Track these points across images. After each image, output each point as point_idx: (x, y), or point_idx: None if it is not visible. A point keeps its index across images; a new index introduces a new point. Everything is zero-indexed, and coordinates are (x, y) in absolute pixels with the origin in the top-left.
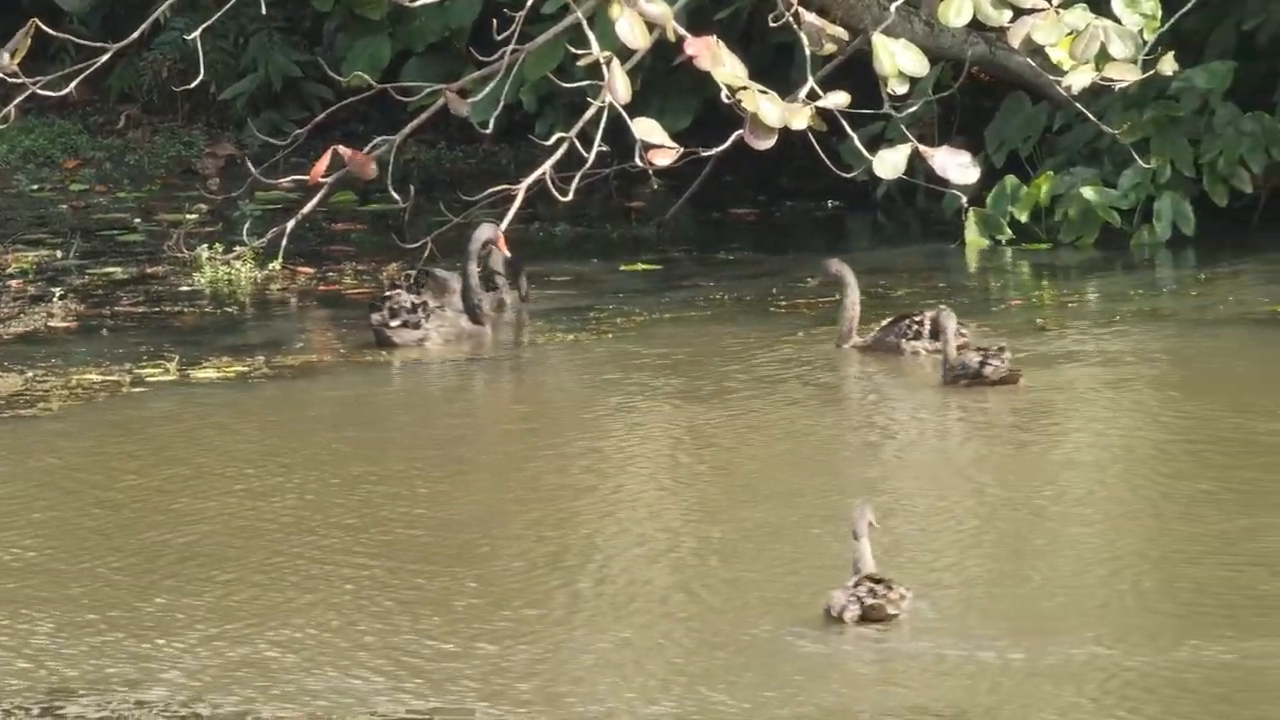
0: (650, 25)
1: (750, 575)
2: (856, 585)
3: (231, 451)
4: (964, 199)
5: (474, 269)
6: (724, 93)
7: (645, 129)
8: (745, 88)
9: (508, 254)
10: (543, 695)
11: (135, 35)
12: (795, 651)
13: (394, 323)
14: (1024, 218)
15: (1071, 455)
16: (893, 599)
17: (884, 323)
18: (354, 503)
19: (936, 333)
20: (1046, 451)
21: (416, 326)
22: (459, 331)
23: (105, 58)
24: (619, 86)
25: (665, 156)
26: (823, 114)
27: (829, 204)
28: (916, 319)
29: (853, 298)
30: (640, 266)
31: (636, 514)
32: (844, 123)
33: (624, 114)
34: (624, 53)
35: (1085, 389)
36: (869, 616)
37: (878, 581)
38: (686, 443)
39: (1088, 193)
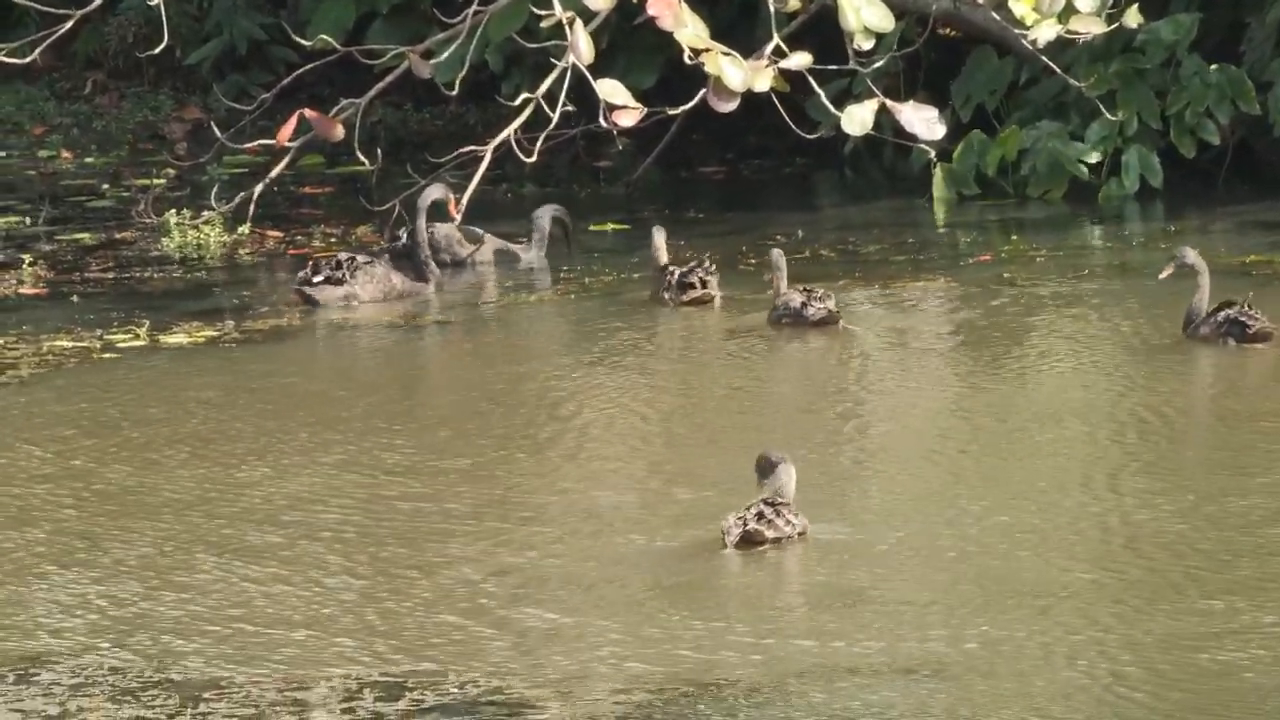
0: None
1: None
2: (749, 508)
3: (202, 415)
4: (932, 154)
5: (423, 225)
6: (687, 54)
7: (609, 90)
8: (708, 49)
9: (457, 217)
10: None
11: (99, 1)
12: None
13: (316, 279)
14: (991, 172)
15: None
16: (777, 524)
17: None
18: (320, 469)
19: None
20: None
21: (339, 283)
22: (390, 289)
23: (70, 24)
24: (582, 47)
25: (629, 117)
26: (787, 72)
27: (797, 161)
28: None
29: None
30: (609, 226)
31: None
32: (811, 80)
33: (588, 74)
34: (587, 13)
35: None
36: (749, 539)
37: (771, 505)
38: (586, 400)
39: (1055, 146)
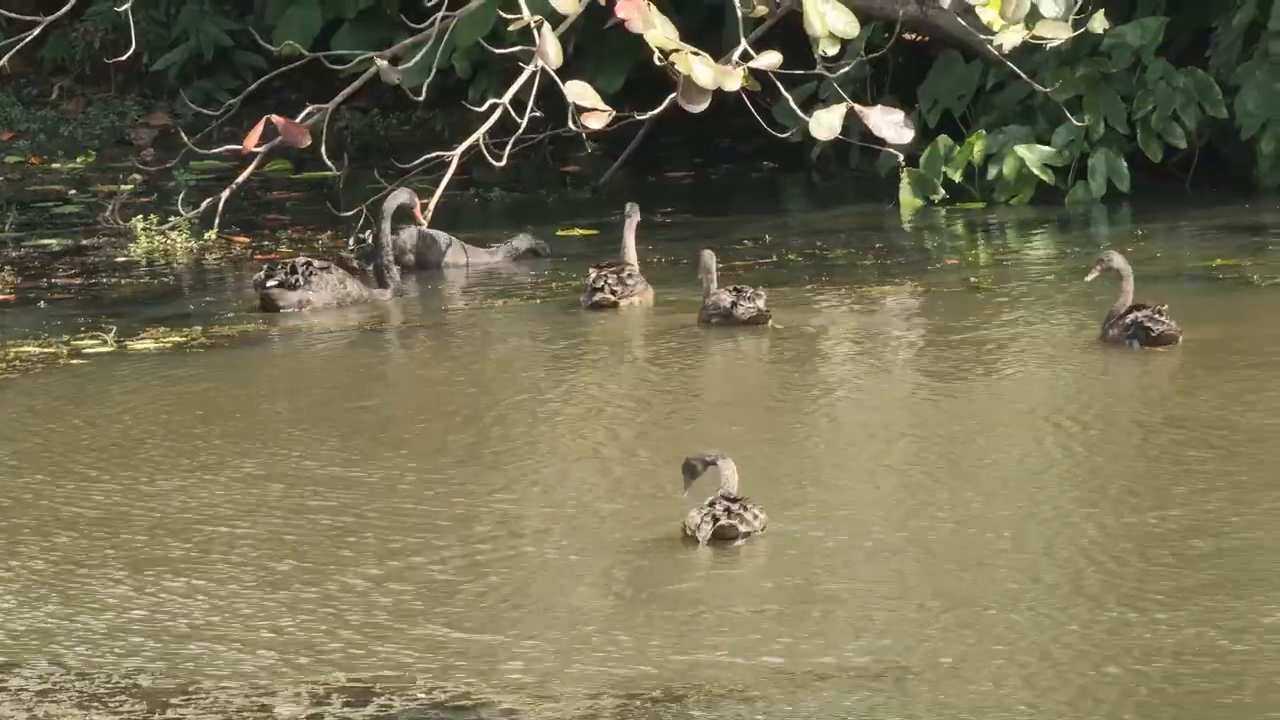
0: None
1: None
2: (712, 504)
3: (170, 422)
4: (900, 158)
5: (386, 230)
6: (656, 55)
7: (577, 92)
8: (677, 50)
9: (423, 222)
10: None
11: (67, 7)
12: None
13: (270, 283)
14: (958, 177)
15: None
16: (746, 518)
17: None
18: (289, 474)
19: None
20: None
21: (294, 288)
22: (345, 295)
23: (37, 30)
24: (550, 51)
25: (598, 120)
26: (757, 75)
27: (764, 166)
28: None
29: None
30: (577, 231)
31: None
32: (778, 84)
33: (556, 78)
34: (555, 17)
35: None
36: (721, 535)
37: (733, 501)
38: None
39: (1021, 151)
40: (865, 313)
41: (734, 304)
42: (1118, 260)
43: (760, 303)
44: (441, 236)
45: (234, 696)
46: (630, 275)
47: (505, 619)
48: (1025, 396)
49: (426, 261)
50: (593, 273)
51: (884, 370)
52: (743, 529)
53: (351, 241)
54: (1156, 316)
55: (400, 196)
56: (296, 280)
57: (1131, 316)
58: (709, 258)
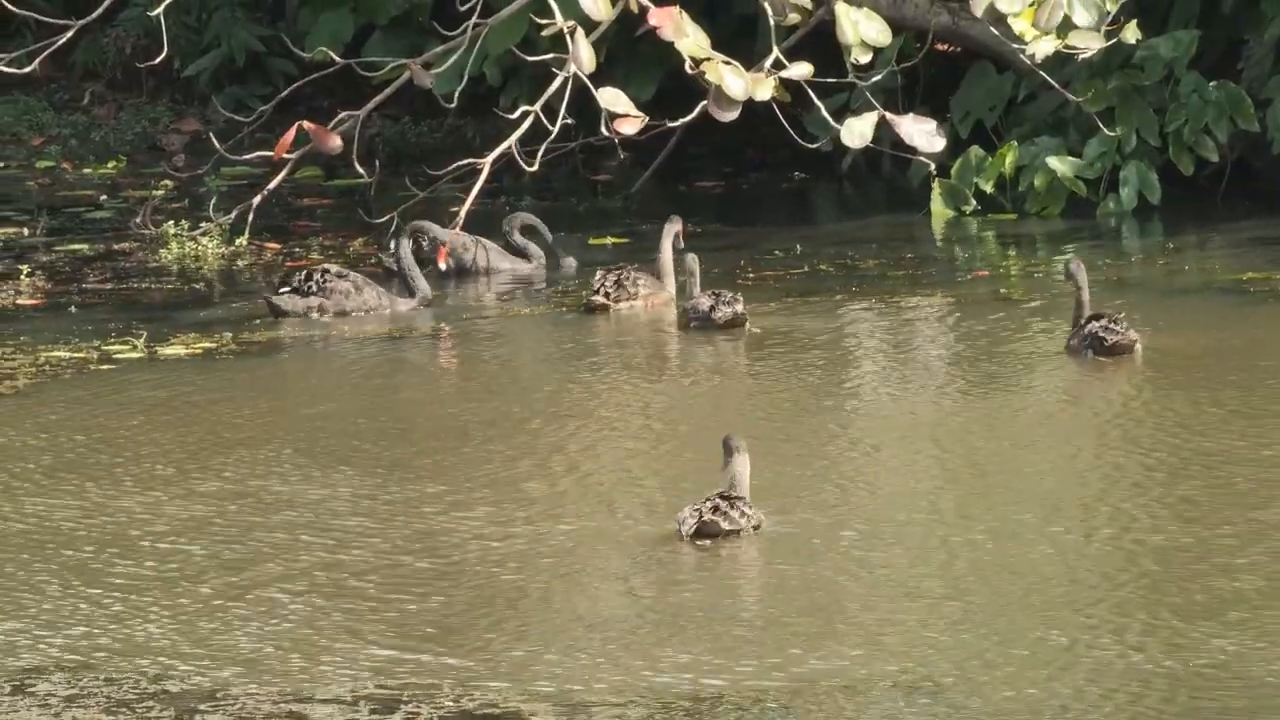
0: None
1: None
2: (705, 501)
3: (232, 424)
4: (931, 167)
5: (406, 245)
6: (688, 64)
7: (610, 98)
8: (709, 59)
9: (444, 266)
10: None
11: (98, 12)
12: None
13: (282, 290)
14: (989, 188)
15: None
16: (733, 517)
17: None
18: (319, 482)
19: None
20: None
21: (305, 295)
22: (361, 304)
23: (69, 35)
24: (583, 56)
25: (631, 125)
26: (787, 85)
27: (795, 176)
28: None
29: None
30: (608, 240)
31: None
32: (810, 93)
33: (589, 84)
34: (588, 23)
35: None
36: (703, 532)
37: (727, 499)
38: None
39: (1053, 162)
40: (894, 323)
41: (712, 308)
42: (1075, 269)
43: (738, 307)
44: (479, 241)
45: (262, 704)
46: (635, 279)
47: (528, 629)
48: (1049, 406)
49: (465, 267)
50: (599, 274)
51: (907, 380)
52: (726, 526)
53: (392, 247)
54: (1112, 327)
55: (436, 232)
56: (311, 288)
57: (1090, 326)
58: (693, 261)
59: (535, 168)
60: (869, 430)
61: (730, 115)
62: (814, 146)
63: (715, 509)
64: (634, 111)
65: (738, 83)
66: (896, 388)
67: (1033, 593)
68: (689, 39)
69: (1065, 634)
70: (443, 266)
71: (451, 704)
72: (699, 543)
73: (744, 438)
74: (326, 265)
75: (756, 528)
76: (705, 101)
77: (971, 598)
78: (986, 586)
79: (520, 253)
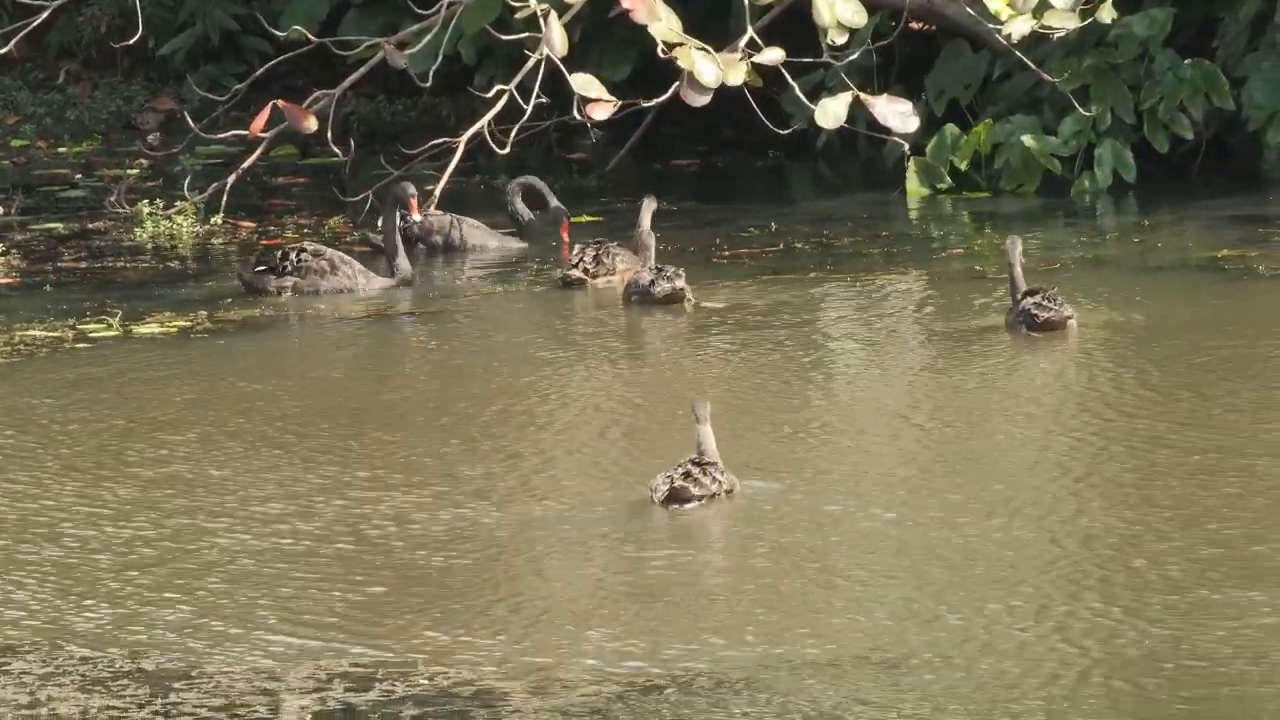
0: None
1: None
2: (678, 468)
3: (172, 406)
4: (906, 147)
5: (393, 222)
6: (660, 48)
7: (582, 83)
8: (681, 44)
9: (417, 216)
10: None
11: None
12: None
13: (259, 268)
14: (964, 166)
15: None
16: (704, 482)
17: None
18: (291, 462)
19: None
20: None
21: (281, 274)
22: (337, 284)
23: (44, 15)
24: (555, 39)
25: (603, 110)
26: (761, 67)
27: (770, 154)
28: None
29: None
30: (584, 218)
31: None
32: (785, 73)
33: (561, 67)
34: (561, 5)
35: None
36: (675, 497)
37: (699, 465)
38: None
39: (1028, 140)
40: (868, 300)
41: (652, 282)
42: (1008, 246)
43: (679, 282)
44: (468, 220)
45: (236, 681)
46: (613, 254)
47: (497, 610)
48: (1019, 384)
49: (453, 244)
50: (577, 249)
51: (879, 357)
52: (697, 492)
53: (378, 225)
54: (1044, 303)
55: (402, 188)
56: (286, 267)
57: (1024, 303)
58: (648, 236)
59: (508, 149)
60: (806, 405)
61: (702, 100)
62: (785, 133)
63: (687, 475)
64: (606, 96)
65: (710, 69)
66: (845, 363)
67: (957, 575)
68: (662, 23)
69: (981, 617)
70: (416, 215)
71: (426, 681)
72: (672, 507)
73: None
74: (304, 244)
75: (729, 492)
76: (678, 84)
77: (889, 581)
78: (907, 570)
79: (518, 222)
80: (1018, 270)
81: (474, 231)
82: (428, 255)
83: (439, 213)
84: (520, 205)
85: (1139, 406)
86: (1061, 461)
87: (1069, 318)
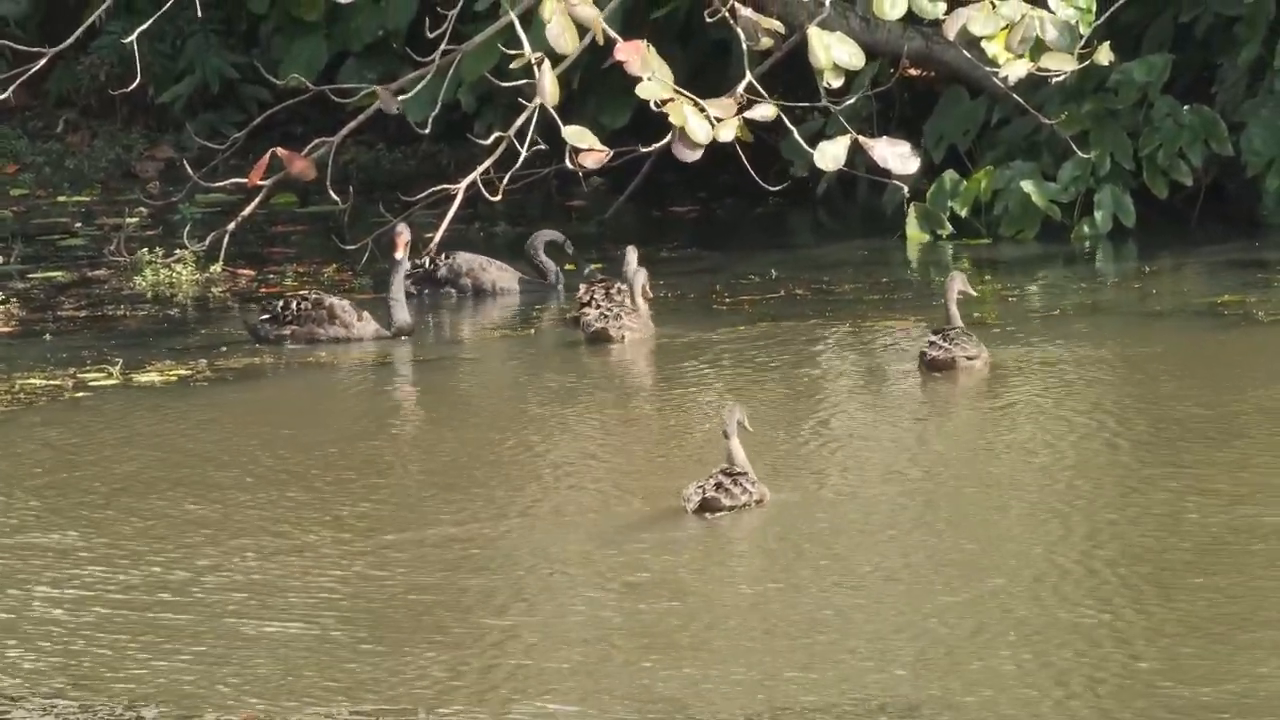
0: (581, 28)
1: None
2: (709, 478)
3: (173, 454)
4: (905, 190)
5: (400, 272)
6: (652, 103)
7: (575, 134)
8: (671, 99)
9: (400, 255)
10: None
11: (72, 39)
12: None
13: (263, 317)
14: (964, 212)
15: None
16: (734, 493)
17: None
18: (300, 502)
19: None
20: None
21: (283, 323)
22: (336, 334)
23: (42, 62)
24: (548, 89)
25: (595, 160)
26: (752, 124)
27: (770, 201)
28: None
29: None
30: (593, 266)
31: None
32: (785, 120)
33: (555, 116)
34: (556, 55)
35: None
36: (707, 507)
37: (730, 476)
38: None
39: (1027, 186)
40: (866, 347)
41: (593, 320)
42: (948, 282)
43: (620, 324)
44: (494, 263)
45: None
46: (620, 290)
47: (523, 635)
48: (1020, 427)
49: (483, 287)
50: (582, 288)
51: (877, 402)
52: (727, 503)
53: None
54: (936, 342)
55: (394, 229)
56: (288, 315)
57: (928, 340)
58: (639, 274)
59: (499, 196)
60: (834, 452)
61: (693, 156)
62: (775, 191)
63: (718, 486)
64: (598, 146)
65: (701, 126)
66: (865, 411)
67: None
68: (650, 83)
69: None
70: (400, 255)
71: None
72: (706, 516)
73: (739, 414)
74: (305, 293)
75: (759, 502)
76: (672, 134)
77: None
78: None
79: (542, 273)
80: (952, 308)
81: (502, 275)
82: (457, 298)
83: (470, 255)
84: (545, 259)
85: (1138, 447)
86: (1059, 510)
87: (958, 358)
